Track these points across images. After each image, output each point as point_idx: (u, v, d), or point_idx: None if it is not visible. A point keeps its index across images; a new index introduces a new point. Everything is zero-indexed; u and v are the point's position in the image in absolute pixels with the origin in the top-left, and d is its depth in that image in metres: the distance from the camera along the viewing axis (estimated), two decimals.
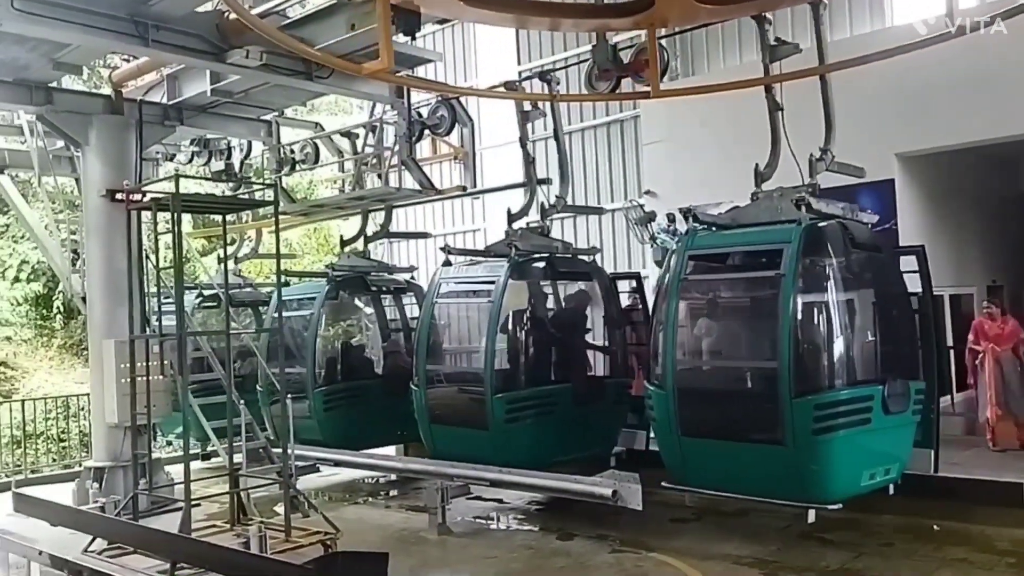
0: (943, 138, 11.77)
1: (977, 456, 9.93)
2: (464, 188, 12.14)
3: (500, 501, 10.56)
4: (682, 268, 8.22)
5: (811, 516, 7.50)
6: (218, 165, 14.08)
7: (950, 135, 11.65)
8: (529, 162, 11.08)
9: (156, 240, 8.58)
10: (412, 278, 13.77)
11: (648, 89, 9.13)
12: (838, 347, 7.69)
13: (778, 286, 7.55)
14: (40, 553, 3.97)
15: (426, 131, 12.08)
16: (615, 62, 9.36)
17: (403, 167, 12.04)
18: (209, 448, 12.94)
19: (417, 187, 12.15)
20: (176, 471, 10.47)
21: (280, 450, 8.45)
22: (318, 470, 12.07)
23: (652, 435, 10.52)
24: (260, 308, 14.75)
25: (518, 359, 10.14)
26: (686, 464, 8.00)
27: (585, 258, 11.21)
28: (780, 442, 7.42)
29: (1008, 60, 9.89)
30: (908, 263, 8.57)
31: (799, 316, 7.56)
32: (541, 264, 10.47)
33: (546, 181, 14.25)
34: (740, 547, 8.02)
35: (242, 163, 14.11)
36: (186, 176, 9.92)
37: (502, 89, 11.75)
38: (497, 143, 15.47)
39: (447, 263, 10.59)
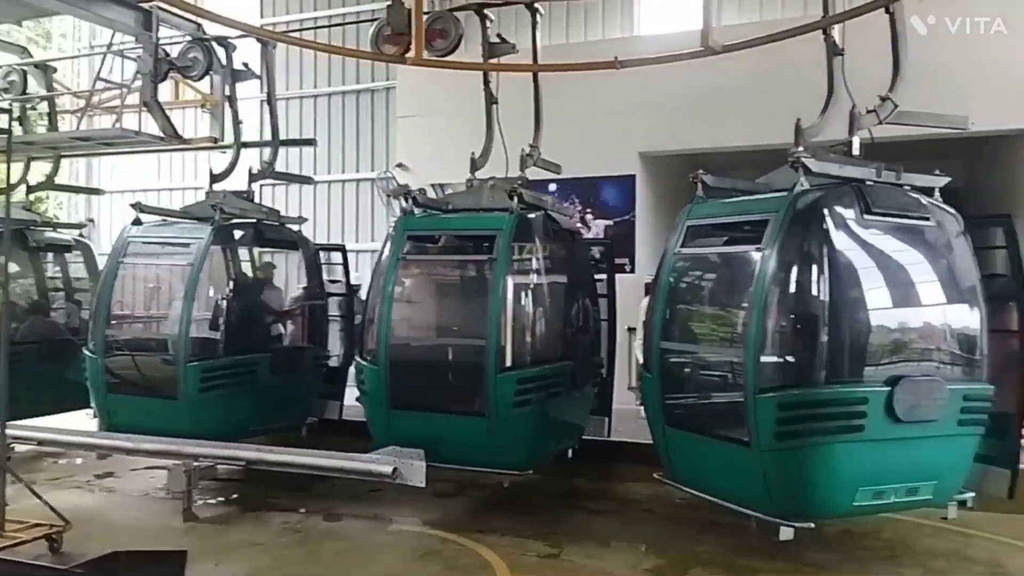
0: (679, 142, 12.86)
1: None
2: (215, 140, 10.98)
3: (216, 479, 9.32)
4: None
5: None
6: None
7: (687, 140, 12.74)
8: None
9: None
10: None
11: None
12: None
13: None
14: None
15: (173, 72, 10.80)
16: (410, 27, 8.96)
17: (144, 108, 10.68)
18: None
19: (160, 134, 10.84)
20: None
21: None
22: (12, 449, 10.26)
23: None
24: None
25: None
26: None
27: None
28: None
29: (755, 77, 10.84)
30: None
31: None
32: None
33: (311, 142, 13.71)
34: (517, 520, 7.95)
35: None
36: None
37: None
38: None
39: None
